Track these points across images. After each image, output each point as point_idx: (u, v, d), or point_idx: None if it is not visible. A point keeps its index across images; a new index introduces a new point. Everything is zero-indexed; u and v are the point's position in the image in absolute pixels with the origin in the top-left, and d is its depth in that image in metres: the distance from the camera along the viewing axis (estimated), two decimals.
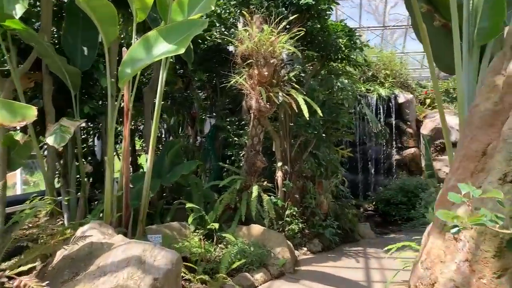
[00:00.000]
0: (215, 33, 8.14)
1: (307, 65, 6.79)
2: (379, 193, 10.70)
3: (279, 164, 6.82)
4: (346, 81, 8.54)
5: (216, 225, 5.50)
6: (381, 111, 11.84)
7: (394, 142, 12.07)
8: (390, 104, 11.96)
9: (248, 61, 5.70)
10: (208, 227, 5.57)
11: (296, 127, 6.58)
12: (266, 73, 5.63)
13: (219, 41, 8.06)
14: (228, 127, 8.12)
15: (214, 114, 9.36)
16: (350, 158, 10.80)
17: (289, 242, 5.95)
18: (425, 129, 12.13)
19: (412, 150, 12.08)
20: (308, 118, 5.89)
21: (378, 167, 11.96)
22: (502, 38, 5.54)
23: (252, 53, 5.67)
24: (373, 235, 7.99)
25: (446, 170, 11.46)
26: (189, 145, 9.03)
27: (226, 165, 6.61)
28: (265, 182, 6.17)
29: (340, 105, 6.95)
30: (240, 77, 5.98)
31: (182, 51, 4.23)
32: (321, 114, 5.66)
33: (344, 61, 7.21)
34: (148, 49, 4.43)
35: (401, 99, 12.05)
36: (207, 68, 8.48)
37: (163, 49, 4.36)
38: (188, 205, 5.59)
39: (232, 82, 6.04)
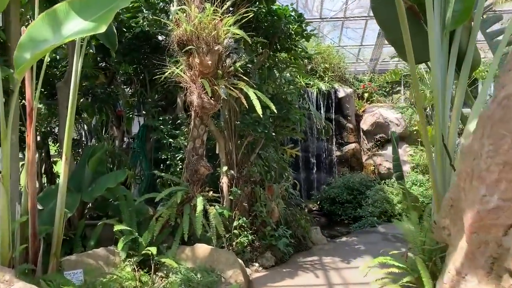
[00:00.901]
0: (141, 21, 7.02)
1: (254, 54, 5.95)
2: (323, 192, 10.23)
3: (224, 168, 5.92)
4: (289, 74, 7.88)
5: (153, 249, 4.47)
6: (322, 106, 11.39)
7: (334, 138, 11.70)
8: (330, 98, 11.55)
9: (187, 48, 4.71)
10: (143, 252, 4.52)
11: (242, 125, 5.71)
12: (210, 62, 4.69)
13: (147, 28, 6.95)
14: (161, 127, 7.05)
15: (143, 112, 8.19)
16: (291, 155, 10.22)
17: (240, 261, 5.08)
18: (365, 124, 11.91)
19: (353, 145, 11.81)
20: (259, 115, 5.06)
21: (320, 164, 11.51)
22: (470, 25, 5.14)
23: (192, 38, 4.69)
24: (325, 240, 7.39)
25: (386, 165, 11.32)
26: (115, 148, 7.79)
27: (162, 173, 5.55)
28: (211, 192, 5.23)
29: (289, 100, 6.22)
30: (177, 68, 4.97)
31: (102, 29, 3.14)
32: (275, 111, 4.85)
33: (292, 51, 6.48)
34: (56, 26, 3.29)
35: (341, 94, 11.70)
36: (134, 59, 7.31)
37: (76, 26, 3.24)
38: (117, 227, 4.49)
39: (166, 74, 5.00)
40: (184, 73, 4.92)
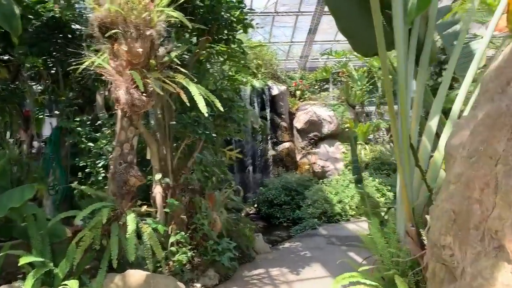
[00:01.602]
0: (51, 5, 5.94)
1: (192, 43, 5.18)
2: (260, 194, 9.73)
3: (158, 176, 5.10)
4: (226, 69, 7.23)
5: (74, 283, 3.57)
6: (256, 104, 10.88)
7: (269, 137, 11.26)
8: (264, 96, 11.09)
9: (112, 32, 3.84)
10: (61, 287, 3.59)
11: (179, 126, 4.94)
12: (140, 50, 3.87)
13: (59, 14, 5.88)
14: (78, 129, 6.01)
15: (56, 112, 7.01)
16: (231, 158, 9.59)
17: (181, 286, 4.33)
18: (299, 122, 11.63)
19: (287, 144, 11.46)
20: (198, 114, 4.36)
21: (255, 165, 11.00)
22: (427, 15, 4.87)
23: (117, 20, 3.83)
24: (268, 247, 6.87)
25: (321, 163, 11.13)
26: (21, 155, 6.54)
27: (82, 187, 4.57)
28: (145, 207, 4.40)
29: (231, 97, 5.56)
30: (98, 57, 4.07)
31: None
32: (221, 109, 4.16)
33: (231, 43, 5.81)
34: None
35: (274, 91, 11.28)
36: (44, 50, 6.16)
37: None
38: (24, 259, 3.49)
39: (85, 65, 4.06)
40: (107, 63, 4.03)
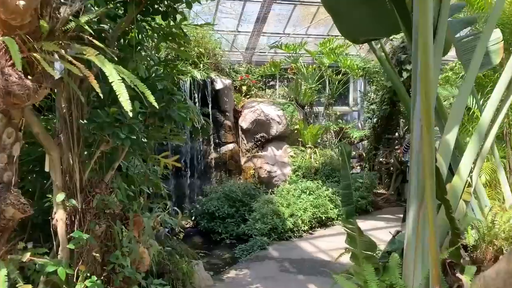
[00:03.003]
0: None
1: (116, 9, 3.67)
2: (200, 205, 8.34)
3: (60, 197, 3.54)
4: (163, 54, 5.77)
5: None
6: (196, 98, 9.44)
7: (211, 137, 9.88)
8: (206, 90, 9.67)
9: None
10: None
11: (93, 127, 3.42)
12: (23, 3, 2.35)
13: None
14: None
15: None
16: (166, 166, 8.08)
17: None
18: (245, 121, 10.38)
19: (231, 146, 10.15)
20: (122, 111, 2.94)
21: (194, 169, 9.56)
22: None
23: None
24: (210, 279, 5.52)
25: (267, 168, 9.99)
26: None
27: None
28: (28, 254, 2.86)
29: (170, 89, 4.13)
30: None
31: None
32: (155, 103, 2.76)
33: (171, 18, 4.37)
34: None
35: (218, 85, 9.90)
36: None
37: None
38: None
39: None
40: None
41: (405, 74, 9.01)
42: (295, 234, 7.58)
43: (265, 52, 13.34)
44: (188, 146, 9.41)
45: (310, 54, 11.41)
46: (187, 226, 8.43)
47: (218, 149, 10.01)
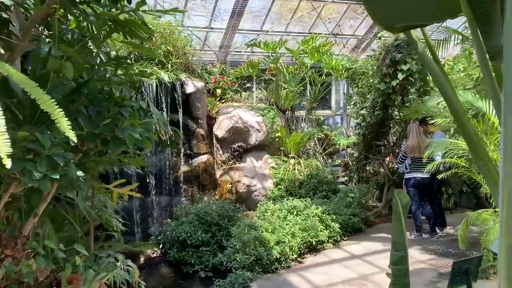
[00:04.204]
0: None
1: None
2: (169, 230, 7.04)
3: None
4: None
5: None
6: (164, 104, 8.15)
7: (182, 148, 8.59)
8: (176, 94, 8.38)
9: None
10: None
11: None
12: None
13: None
14: None
15: None
16: (119, 174, 6.76)
17: None
18: (220, 130, 9.15)
19: (204, 157, 8.90)
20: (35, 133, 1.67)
21: (161, 186, 8.26)
22: None
23: None
24: None
25: (246, 181, 8.81)
26: None
27: None
28: None
29: (119, 97, 2.88)
30: None
31: None
32: (70, 135, 1.52)
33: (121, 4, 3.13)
34: None
35: (189, 88, 8.63)
36: None
37: None
38: None
39: None
40: None
41: (400, 76, 8.02)
42: (282, 265, 6.42)
43: (240, 52, 12.14)
44: (154, 159, 8.10)
45: (291, 53, 10.29)
46: (153, 255, 7.13)
47: (190, 162, 8.74)
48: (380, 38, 10.39)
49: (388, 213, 9.64)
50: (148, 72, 8.17)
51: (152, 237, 7.29)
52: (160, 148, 7.76)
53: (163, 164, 8.34)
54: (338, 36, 11.74)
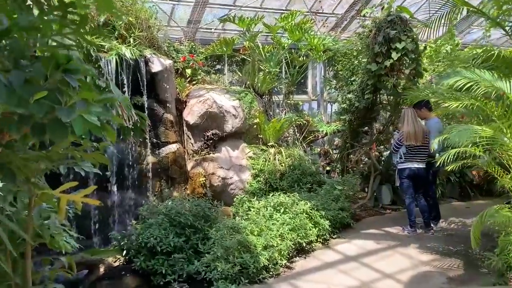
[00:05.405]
0: None
1: None
2: (135, 235, 5.91)
3: None
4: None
5: None
6: (126, 84, 6.94)
7: (147, 136, 7.43)
8: (139, 73, 7.17)
9: None
10: None
11: None
12: None
13: None
14: None
15: None
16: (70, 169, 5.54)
17: None
18: (191, 115, 8.05)
19: (174, 147, 7.78)
20: None
21: (124, 180, 7.08)
22: None
23: None
24: None
25: (221, 173, 7.81)
26: None
27: None
28: None
29: (61, 60, 1.82)
30: None
31: None
32: None
33: None
34: None
35: (155, 67, 7.43)
36: None
37: None
38: None
39: None
40: None
41: (394, 55, 7.21)
42: (271, 273, 5.49)
43: (211, 29, 10.99)
44: (115, 149, 6.90)
45: (269, 30, 9.27)
46: (116, 264, 5.99)
47: (157, 152, 7.60)
48: (364, 16, 9.57)
49: (374, 206, 8.96)
50: (106, 47, 6.96)
51: (114, 243, 6.13)
52: (122, 137, 6.56)
53: (125, 155, 7.16)
54: (318, 14, 10.80)
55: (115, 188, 6.93)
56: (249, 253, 5.35)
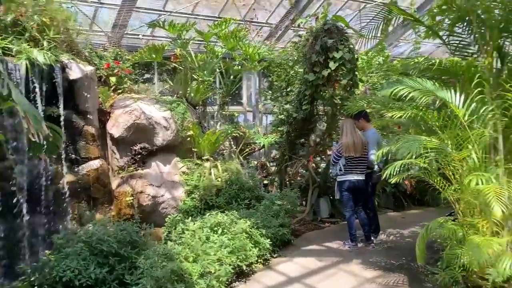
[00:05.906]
0: None
1: None
2: (47, 267, 5.03)
3: None
4: None
5: None
6: (38, 93, 6.04)
7: (63, 152, 6.53)
8: (55, 80, 6.30)
9: None
10: None
11: None
12: None
13: None
14: None
15: None
16: None
17: None
18: (117, 127, 7.29)
19: (96, 163, 6.95)
20: None
21: (36, 202, 6.12)
22: None
23: None
24: None
25: (151, 192, 7.16)
26: None
27: None
28: None
29: None
30: None
31: None
32: None
33: None
34: None
35: (74, 73, 6.60)
36: None
37: None
38: None
39: None
40: None
41: (332, 64, 7.05)
42: None
43: (138, 35, 10.26)
44: (24, 167, 5.95)
45: (202, 37, 8.78)
46: None
47: (76, 169, 6.72)
48: (299, 25, 9.43)
49: (313, 219, 8.72)
50: (14, 50, 6.05)
51: (23, 277, 5.20)
52: (31, 153, 5.65)
53: (38, 173, 6.22)
54: (252, 23, 10.53)
55: (25, 212, 5.96)
56: (183, 283, 4.74)
